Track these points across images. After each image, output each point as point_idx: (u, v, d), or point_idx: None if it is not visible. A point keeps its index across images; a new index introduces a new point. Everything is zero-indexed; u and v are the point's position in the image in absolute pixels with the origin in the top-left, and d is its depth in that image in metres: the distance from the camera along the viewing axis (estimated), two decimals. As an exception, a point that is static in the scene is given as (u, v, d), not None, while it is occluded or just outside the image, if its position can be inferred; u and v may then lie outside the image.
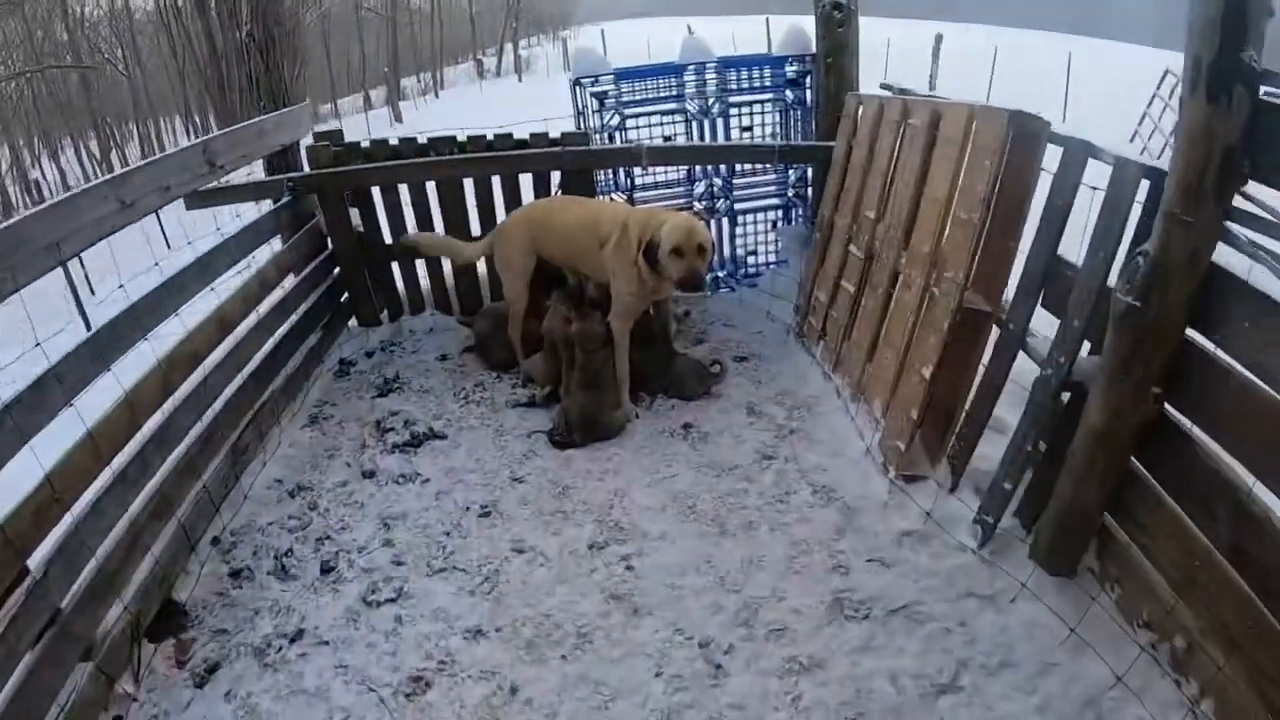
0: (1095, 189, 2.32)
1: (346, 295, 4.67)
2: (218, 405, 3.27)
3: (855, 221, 3.74)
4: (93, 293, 9.91)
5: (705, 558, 2.81)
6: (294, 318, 4.09)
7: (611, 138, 4.54)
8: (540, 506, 3.16)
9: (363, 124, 24.77)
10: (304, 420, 3.95)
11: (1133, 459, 2.23)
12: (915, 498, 2.95)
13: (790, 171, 4.67)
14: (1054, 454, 2.45)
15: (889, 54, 19.49)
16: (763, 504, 3.07)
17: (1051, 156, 2.53)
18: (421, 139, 4.31)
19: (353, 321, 4.76)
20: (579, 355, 3.63)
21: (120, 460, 2.61)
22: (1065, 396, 2.42)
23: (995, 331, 2.78)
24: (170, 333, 3.08)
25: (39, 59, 26.93)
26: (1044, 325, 2.59)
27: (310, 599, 2.80)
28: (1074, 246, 2.46)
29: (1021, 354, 2.65)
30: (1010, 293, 2.71)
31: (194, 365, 3.13)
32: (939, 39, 19.20)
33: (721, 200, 4.67)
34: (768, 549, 2.83)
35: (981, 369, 2.82)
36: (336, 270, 4.56)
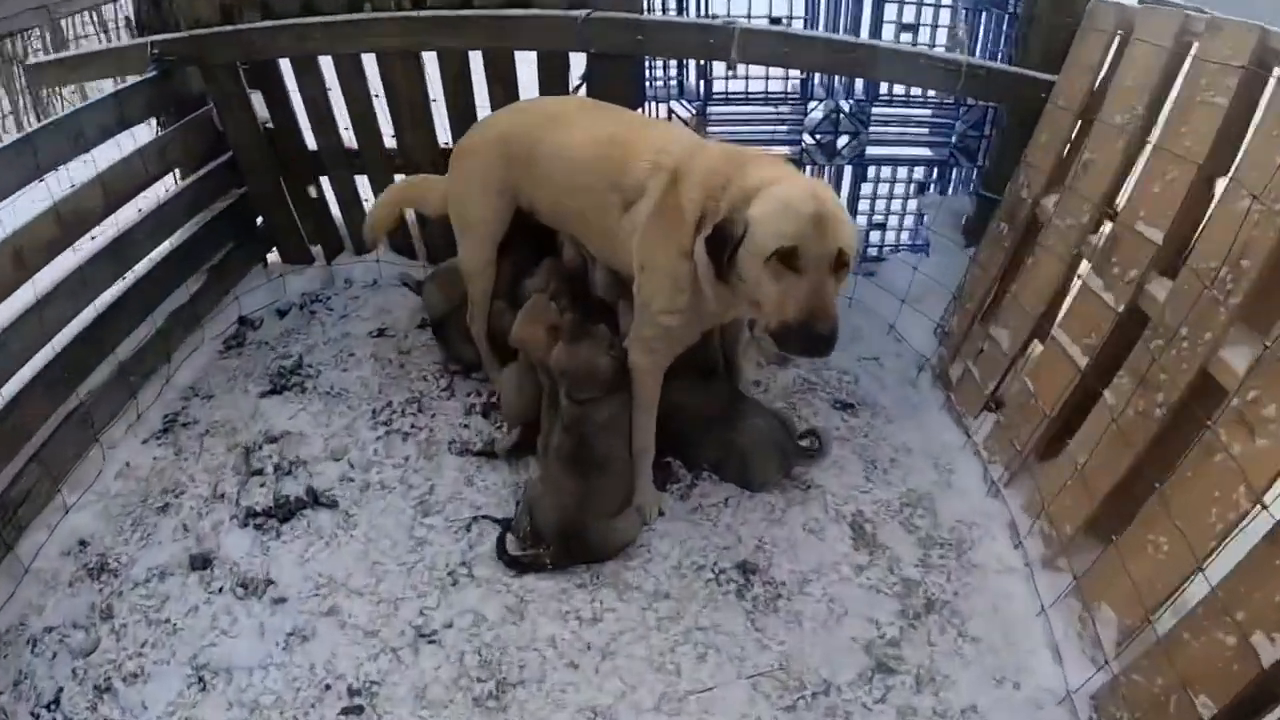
0: None
1: (261, 221, 3.22)
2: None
3: (1105, 234, 2.13)
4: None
5: None
6: (155, 258, 2.71)
7: (682, 6, 2.86)
8: (451, 718, 1.80)
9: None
10: (156, 425, 2.67)
11: None
12: None
13: (961, 109, 2.97)
14: None
15: None
16: (868, 799, 1.67)
17: None
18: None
19: (275, 256, 3.33)
20: (564, 405, 2.16)
21: None
22: None
23: None
24: None
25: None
26: None
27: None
28: None
29: None
30: None
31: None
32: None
33: (847, 138, 3.00)
34: None
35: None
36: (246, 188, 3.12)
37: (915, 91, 2.96)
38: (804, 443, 2.38)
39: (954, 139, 3.01)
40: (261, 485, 2.37)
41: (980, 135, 2.96)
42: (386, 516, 2.28)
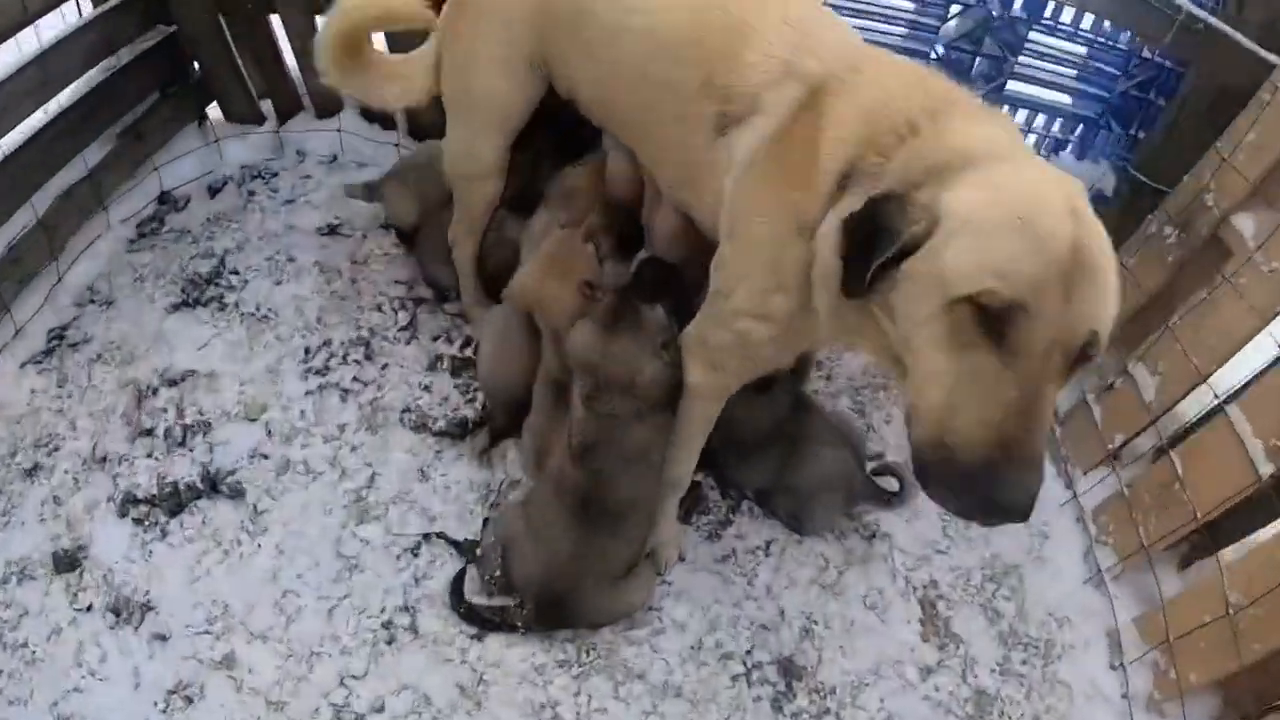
0: None
1: (198, 68, 2.48)
2: None
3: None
4: None
5: None
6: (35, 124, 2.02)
7: None
8: None
9: None
10: (39, 343, 2.08)
11: None
12: None
13: (1131, 62, 2.27)
14: None
15: None
16: None
17: None
18: None
19: (217, 113, 2.60)
20: (578, 412, 1.59)
21: None
22: None
23: None
24: None
25: None
26: None
27: None
28: None
29: None
30: None
31: None
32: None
33: (988, 62, 2.31)
34: None
35: None
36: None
37: (1084, 24, 2.27)
38: (886, 478, 1.87)
39: (1112, 96, 2.33)
40: (149, 455, 1.83)
41: (1145, 99, 2.29)
42: (308, 519, 1.76)
